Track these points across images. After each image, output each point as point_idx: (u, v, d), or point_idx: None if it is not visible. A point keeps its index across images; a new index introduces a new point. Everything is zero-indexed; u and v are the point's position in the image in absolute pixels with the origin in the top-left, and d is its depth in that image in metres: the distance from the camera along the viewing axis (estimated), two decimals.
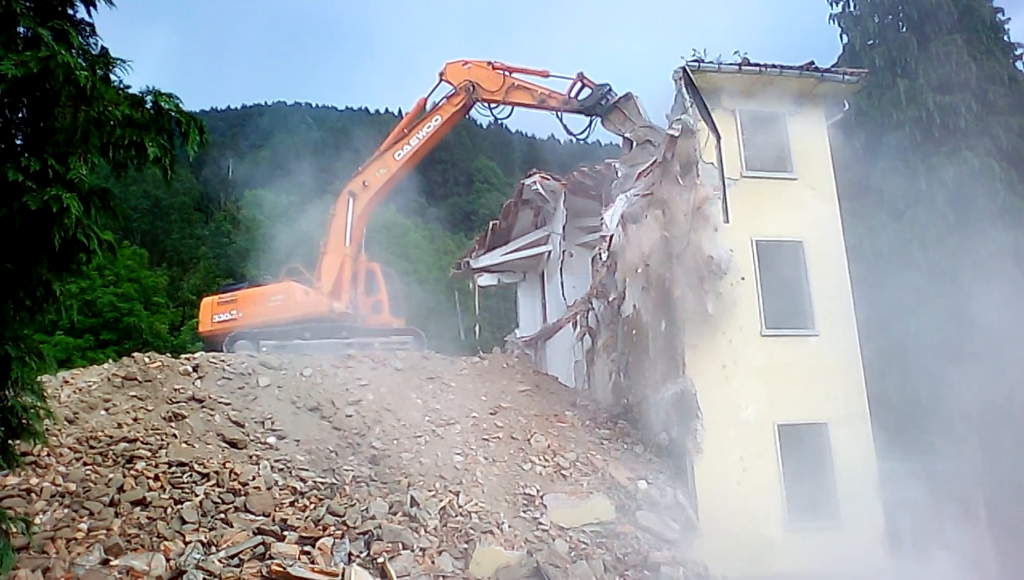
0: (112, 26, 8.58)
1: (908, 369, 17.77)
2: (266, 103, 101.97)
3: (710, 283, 15.08)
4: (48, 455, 11.99)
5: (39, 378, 8.15)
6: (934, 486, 16.02)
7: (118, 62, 7.57)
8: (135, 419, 13.59)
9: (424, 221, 55.91)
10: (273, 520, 11.34)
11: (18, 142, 7.46)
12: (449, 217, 60.94)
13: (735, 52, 16.41)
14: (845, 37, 23.40)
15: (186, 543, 10.53)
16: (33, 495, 11.12)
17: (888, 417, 16.02)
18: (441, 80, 20.21)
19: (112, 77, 7.51)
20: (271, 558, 10.23)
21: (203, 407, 14.43)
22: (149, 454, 12.43)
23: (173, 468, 12.19)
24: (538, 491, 13.67)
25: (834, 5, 23.77)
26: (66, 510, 10.96)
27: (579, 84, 18.99)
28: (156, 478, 11.89)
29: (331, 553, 10.66)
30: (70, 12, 7.68)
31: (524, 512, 13.14)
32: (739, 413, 14.97)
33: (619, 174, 18.42)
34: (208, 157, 58.33)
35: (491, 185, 74.44)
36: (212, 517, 11.27)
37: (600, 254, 18.52)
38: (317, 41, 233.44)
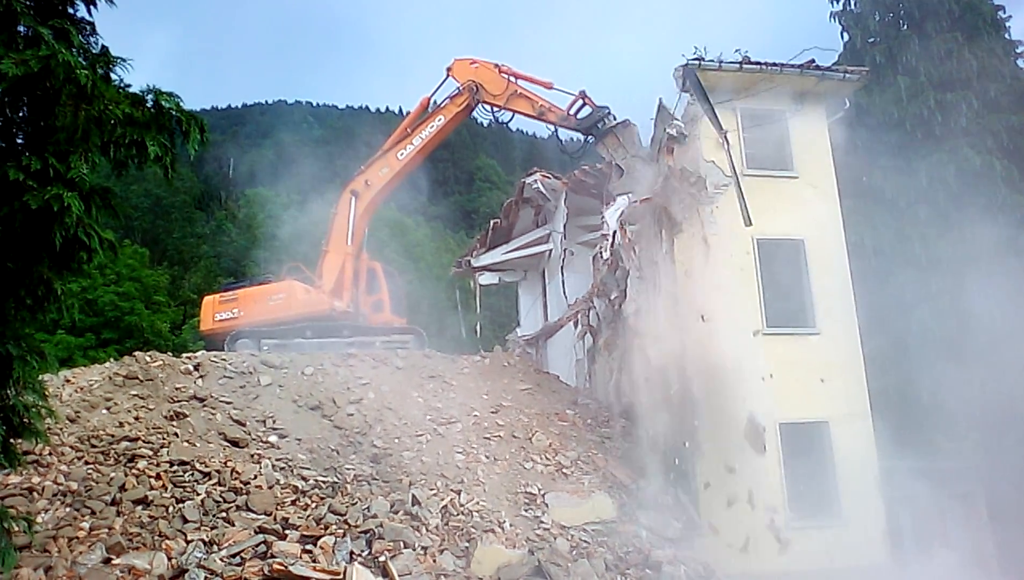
0: (112, 25, 8.59)
1: (909, 367, 17.76)
2: (267, 101, 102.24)
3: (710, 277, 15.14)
4: (50, 454, 12.01)
5: (40, 377, 8.15)
6: (935, 483, 16.03)
7: (119, 61, 7.58)
8: (136, 418, 13.60)
9: (425, 220, 55.90)
10: (275, 519, 11.35)
11: (19, 141, 7.46)
12: (450, 216, 60.94)
13: (736, 50, 16.45)
14: (846, 35, 23.40)
15: (188, 542, 10.54)
16: (35, 494, 11.13)
17: (889, 415, 16.01)
18: (448, 76, 20.22)
19: (113, 76, 7.52)
20: (273, 557, 10.25)
21: (204, 406, 14.44)
22: (151, 453, 12.45)
23: (175, 467, 12.21)
24: (539, 490, 13.68)
25: (835, 3, 23.79)
26: (68, 509, 10.97)
27: (580, 102, 19.01)
28: (158, 477, 11.90)
29: (333, 552, 10.67)
30: (70, 11, 7.68)
31: (525, 511, 13.14)
32: (740, 411, 14.96)
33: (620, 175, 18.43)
34: (209, 156, 58.32)
35: (492, 184, 74.44)
36: (214, 516, 11.29)
37: (601, 253, 18.52)
38: (318, 40, 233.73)
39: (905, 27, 22.63)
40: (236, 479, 12.11)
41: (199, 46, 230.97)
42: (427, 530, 11.79)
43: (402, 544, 11.14)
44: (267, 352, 17.88)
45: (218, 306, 20.58)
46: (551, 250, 23.24)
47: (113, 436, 12.81)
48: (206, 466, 12.28)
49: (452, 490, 13.05)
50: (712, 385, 14.91)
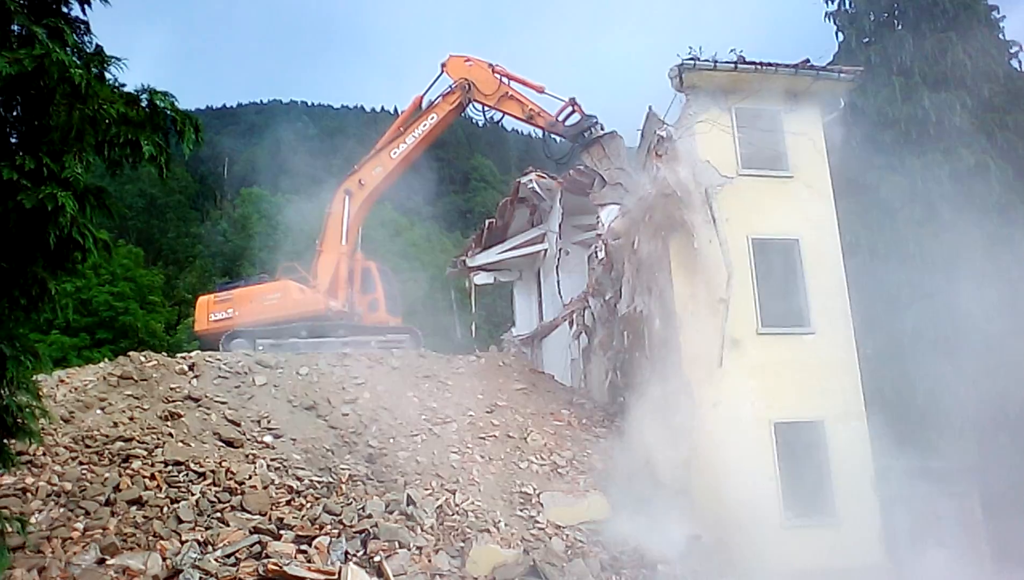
0: (107, 24, 8.57)
1: (904, 366, 17.77)
2: (262, 101, 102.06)
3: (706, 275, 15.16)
4: (44, 454, 11.97)
5: (35, 377, 8.12)
6: (930, 483, 16.06)
7: (113, 60, 7.55)
8: (131, 418, 13.57)
9: (420, 219, 55.83)
10: (269, 519, 11.34)
11: (13, 140, 7.44)
12: (445, 215, 60.83)
13: (731, 50, 16.44)
14: (841, 35, 23.40)
15: (182, 542, 10.53)
16: (29, 494, 11.10)
17: (884, 414, 16.01)
18: (442, 71, 20.23)
19: (107, 75, 7.49)
20: (267, 557, 10.23)
21: (199, 406, 14.42)
22: (145, 453, 12.42)
23: (169, 467, 12.19)
24: (534, 489, 13.69)
25: (829, 3, 23.75)
26: (62, 509, 10.95)
27: (569, 108, 19.08)
28: (152, 477, 11.88)
29: (328, 552, 10.66)
30: (65, 10, 7.65)
31: (520, 510, 13.15)
32: (735, 411, 14.96)
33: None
34: (204, 155, 58.24)
35: (487, 183, 74.35)
36: (208, 516, 11.27)
37: (596, 252, 18.53)
38: (313, 39, 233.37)
39: (900, 27, 22.63)
40: (231, 479, 12.10)
41: (194, 45, 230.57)
42: (422, 530, 11.79)
43: (397, 544, 11.14)
44: (262, 352, 17.87)
45: (213, 306, 20.58)
46: (546, 250, 23.23)
47: (107, 436, 12.78)
48: (201, 466, 12.27)
49: (447, 490, 13.06)
50: (708, 383, 14.93)
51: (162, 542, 10.50)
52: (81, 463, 12.00)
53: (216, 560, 10.12)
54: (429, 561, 11.17)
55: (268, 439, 13.78)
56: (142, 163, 7.45)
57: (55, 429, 12.64)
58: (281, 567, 9.80)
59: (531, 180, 22.22)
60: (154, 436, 13.00)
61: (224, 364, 16.18)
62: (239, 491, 11.86)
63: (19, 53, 6.75)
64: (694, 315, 15.29)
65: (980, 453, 17.21)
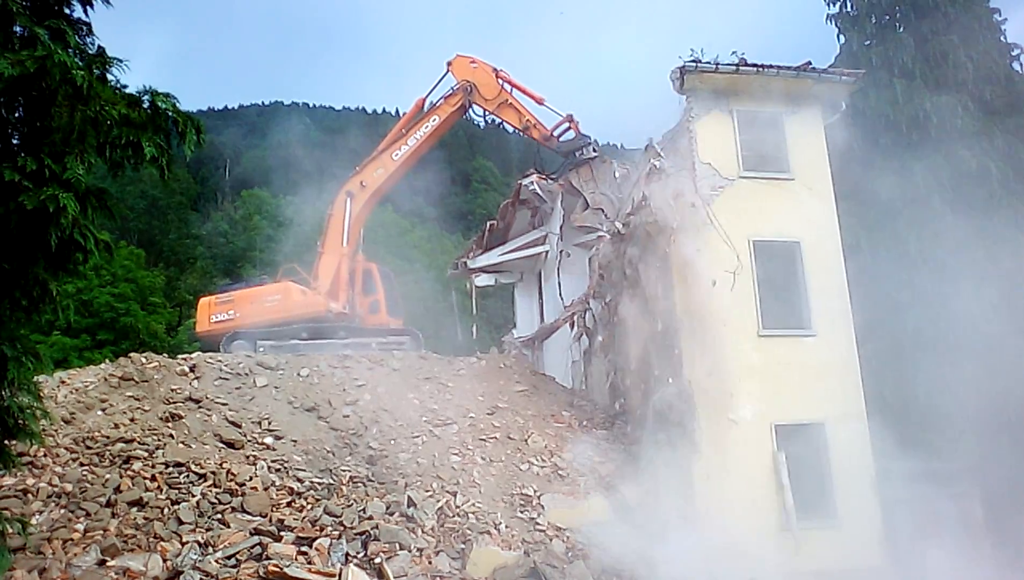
0: (109, 25, 8.56)
1: (905, 368, 17.75)
2: (263, 103, 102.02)
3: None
4: (44, 456, 11.99)
5: (35, 378, 8.13)
6: (931, 484, 16.02)
7: (115, 61, 7.56)
8: (132, 419, 13.58)
9: (422, 221, 55.86)
10: (270, 520, 11.34)
11: (14, 142, 7.44)
12: (446, 217, 60.80)
13: (732, 52, 16.42)
14: (842, 37, 23.40)
15: (183, 544, 10.53)
16: (29, 496, 11.12)
17: (885, 416, 15.99)
18: (448, 70, 20.28)
19: (109, 76, 7.51)
20: (268, 558, 10.24)
21: (200, 407, 14.43)
22: (146, 454, 12.43)
23: (170, 468, 12.20)
24: (535, 491, 13.68)
25: (831, 5, 23.75)
26: (63, 511, 10.96)
27: (566, 125, 19.12)
28: (153, 478, 11.89)
29: (328, 553, 10.67)
30: (67, 11, 7.67)
31: (521, 512, 13.15)
32: (736, 413, 14.95)
33: (616, 175, 18.47)
34: (205, 157, 58.30)
35: (488, 185, 74.40)
36: (209, 517, 11.28)
37: (597, 254, 18.53)
38: (315, 41, 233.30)
39: (901, 29, 22.63)
40: (231, 481, 12.10)
41: (195, 46, 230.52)
42: (423, 532, 11.79)
43: (398, 546, 11.14)
44: (263, 353, 17.87)
45: (214, 307, 20.61)
46: (547, 252, 23.23)
47: (108, 438, 12.80)
48: (201, 467, 12.27)
49: (448, 492, 13.05)
50: (709, 386, 14.92)
51: (163, 543, 10.50)
52: (82, 464, 12.01)
53: (217, 561, 10.12)
54: (430, 563, 11.17)
55: (269, 440, 13.78)
56: (144, 164, 7.47)
57: (56, 430, 12.66)
58: (282, 569, 9.80)
59: (532, 182, 22.21)
60: (155, 437, 13.00)
61: (225, 365, 16.19)
62: (240, 492, 11.87)
63: (21, 54, 6.76)
64: (695, 318, 15.27)
65: (981, 454, 17.18)
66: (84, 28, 7.77)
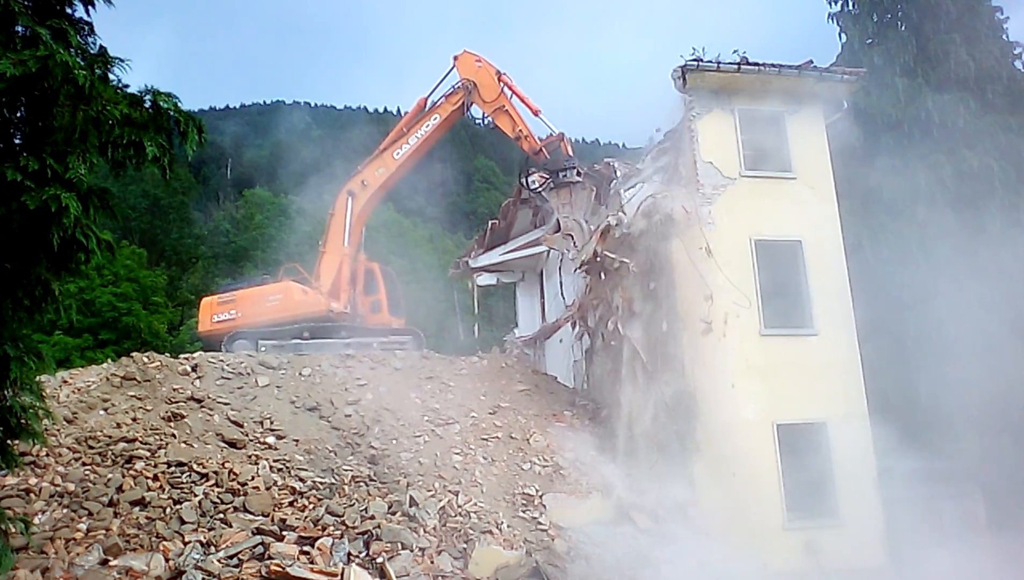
0: (110, 25, 8.57)
1: (907, 368, 17.75)
2: (265, 102, 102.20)
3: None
4: (47, 455, 11.99)
5: (38, 378, 8.15)
6: (933, 484, 16.02)
7: (116, 61, 7.58)
8: (134, 419, 13.59)
9: (423, 220, 55.86)
10: (272, 520, 11.34)
11: (17, 141, 7.45)
12: (448, 216, 60.81)
13: (734, 51, 16.44)
14: (844, 36, 23.38)
15: (185, 543, 10.53)
16: (32, 495, 11.12)
17: (887, 415, 15.98)
18: (453, 65, 20.30)
19: (111, 76, 7.52)
20: (270, 558, 10.24)
21: (202, 407, 14.44)
22: (148, 454, 12.44)
23: (172, 468, 12.20)
24: (537, 491, 13.67)
25: (833, 4, 23.74)
26: (65, 510, 10.96)
27: (557, 142, 19.17)
28: (155, 478, 11.89)
29: (330, 553, 10.66)
30: (69, 11, 7.68)
31: (523, 512, 13.14)
32: (738, 413, 14.95)
33: (617, 174, 18.45)
34: (207, 156, 58.30)
35: (490, 184, 74.40)
36: (211, 517, 11.28)
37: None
38: (316, 40, 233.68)
39: (903, 28, 22.62)
40: (233, 480, 12.10)
41: (197, 46, 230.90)
42: (425, 531, 11.79)
43: (400, 545, 11.14)
44: (265, 353, 17.88)
45: (216, 307, 20.62)
46: (549, 251, 23.22)
47: (110, 437, 12.80)
48: (204, 467, 12.27)
49: (450, 491, 13.05)
50: (710, 386, 14.92)
51: (165, 543, 10.50)
52: (84, 464, 12.02)
53: (219, 561, 10.12)
54: (432, 562, 11.17)
55: (271, 440, 13.78)
56: (145, 164, 7.47)
57: (58, 430, 12.67)
58: (284, 568, 9.80)
59: (534, 181, 22.19)
60: (157, 437, 13.01)
61: (227, 365, 16.21)
62: (242, 492, 11.87)
63: (23, 54, 6.76)
64: (696, 317, 15.26)
65: (983, 454, 17.19)
66: (86, 28, 7.78)
